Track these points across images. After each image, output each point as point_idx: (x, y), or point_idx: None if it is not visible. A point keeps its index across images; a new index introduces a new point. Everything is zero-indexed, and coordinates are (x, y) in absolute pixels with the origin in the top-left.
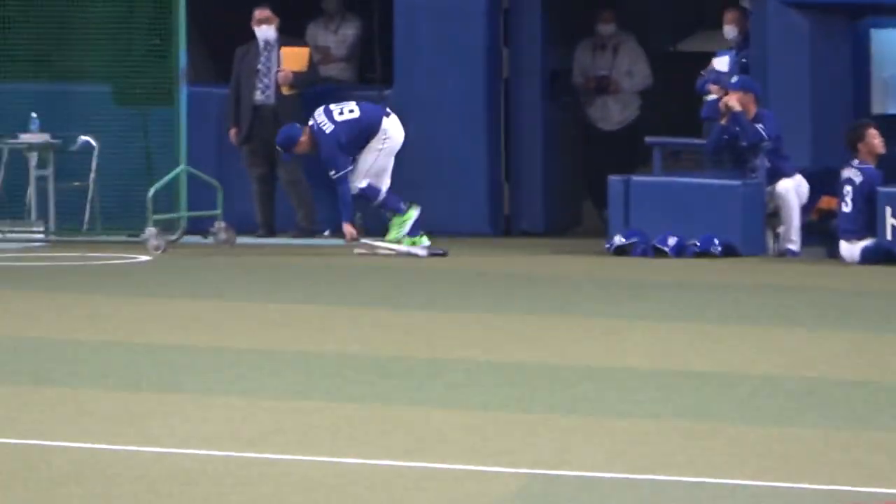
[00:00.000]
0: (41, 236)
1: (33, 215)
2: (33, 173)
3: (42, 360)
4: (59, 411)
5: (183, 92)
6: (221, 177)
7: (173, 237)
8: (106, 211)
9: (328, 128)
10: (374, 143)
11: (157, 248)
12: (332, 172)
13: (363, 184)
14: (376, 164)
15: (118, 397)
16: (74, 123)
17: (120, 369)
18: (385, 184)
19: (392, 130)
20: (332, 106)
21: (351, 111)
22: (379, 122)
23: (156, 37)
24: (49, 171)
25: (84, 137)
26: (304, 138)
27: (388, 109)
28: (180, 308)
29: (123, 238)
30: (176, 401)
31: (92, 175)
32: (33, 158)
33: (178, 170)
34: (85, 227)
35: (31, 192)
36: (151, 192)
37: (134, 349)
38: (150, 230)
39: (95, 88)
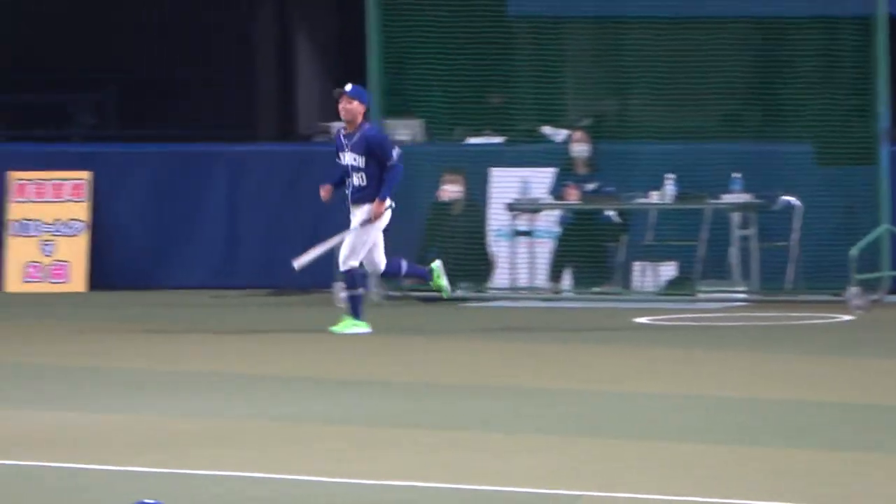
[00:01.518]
0: (743, 295)
1: (736, 275)
2: (736, 233)
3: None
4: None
5: (885, 150)
6: None
7: (876, 296)
8: (807, 270)
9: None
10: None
11: (859, 308)
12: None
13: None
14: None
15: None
16: (776, 183)
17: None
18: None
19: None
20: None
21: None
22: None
23: (858, 96)
24: (751, 231)
25: (786, 197)
26: (362, 108)
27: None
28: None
29: (826, 297)
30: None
31: (794, 235)
32: (736, 218)
33: (880, 229)
34: (787, 286)
35: (734, 251)
36: (854, 251)
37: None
38: (853, 289)
39: (797, 148)
